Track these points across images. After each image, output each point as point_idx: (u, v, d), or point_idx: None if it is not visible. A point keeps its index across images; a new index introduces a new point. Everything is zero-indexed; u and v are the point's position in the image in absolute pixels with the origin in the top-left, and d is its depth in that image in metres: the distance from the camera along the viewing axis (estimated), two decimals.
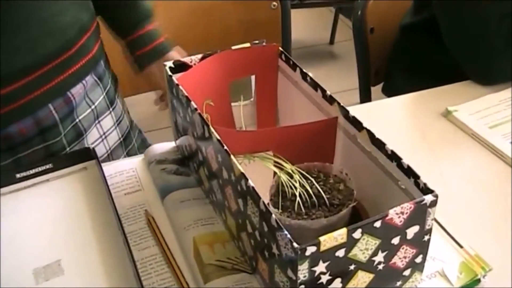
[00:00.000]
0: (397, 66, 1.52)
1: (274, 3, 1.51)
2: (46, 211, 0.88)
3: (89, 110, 1.06)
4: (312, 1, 2.85)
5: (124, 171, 0.97)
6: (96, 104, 1.07)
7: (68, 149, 1.04)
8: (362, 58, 1.55)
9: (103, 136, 1.10)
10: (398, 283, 0.71)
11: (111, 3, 1.14)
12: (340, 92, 2.14)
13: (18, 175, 0.91)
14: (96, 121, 1.08)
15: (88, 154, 0.95)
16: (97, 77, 1.08)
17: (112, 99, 1.13)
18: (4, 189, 0.91)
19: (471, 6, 1.19)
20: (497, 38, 1.17)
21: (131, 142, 1.19)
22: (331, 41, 3.40)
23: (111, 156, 1.12)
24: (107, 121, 1.11)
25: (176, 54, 1.21)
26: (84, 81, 1.04)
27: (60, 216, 0.87)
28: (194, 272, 0.78)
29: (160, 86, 1.24)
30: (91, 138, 1.08)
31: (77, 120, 1.04)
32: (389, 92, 1.55)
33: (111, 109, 1.12)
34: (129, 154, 1.17)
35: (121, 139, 1.15)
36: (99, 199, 0.90)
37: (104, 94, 1.10)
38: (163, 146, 0.99)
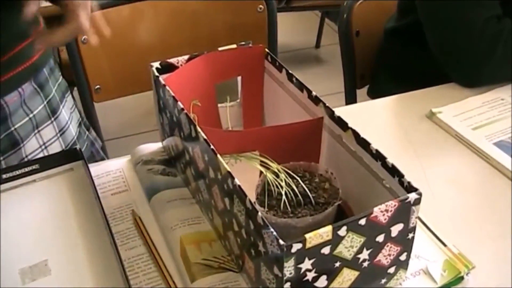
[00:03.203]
0: (382, 69, 1.53)
1: (261, 6, 1.52)
2: (33, 212, 0.88)
3: (27, 118, 1.02)
4: (298, 4, 2.86)
5: (111, 171, 0.97)
6: (35, 113, 1.03)
7: (1, 158, 1.00)
8: (347, 61, 1.56)
9: (43, 147, 1.06)
10: (383, 281, 0.72)
11: None
12: (326, 95, 2.14)
13: (4, 176, 0.91)
14: (36, 131, 1.04)
15: (75, 155, 0.95)
16: (38, 85, 1.04)
17: (54, 109, 1.08)
18: None
19: (455, 10, 1.20)
20: (481, 42, 1.19)
21: None
22: (317, 45, 3.41)
23: None
24: (48, 131, 1.07)
25: None
26: (20, 89, 1.00)
27: (47, 216, 0.87)
28: (181, 271, 0.78)
29: None
30: (30, 147, 1.04)
31: (12, 128, 1.00)
32: (374, 95, 1.56)
33: (53, 119, 1.08)
34: None
35: (65, 149, 1.11)
36: (86, 200, 0.89)
37: (45, 103, 1.06)
38: (149, 147, 1.00)
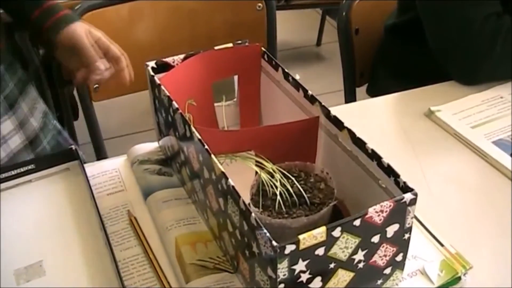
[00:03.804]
0: (381, 67, 1.53)
1: (260, 4, 1.51)
2: (28, 212, 0.88)
3: None
4: (297, 2, 2.85)
5: (107, 171, 0.96)
6: None
7: None
8: (347, 59, 1.55)
9: (2, 140, 1.06)
10: (379, 282, 0.72)
11: None
12: (327, 94, 2.15)
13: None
14: None
15: (71, 155, 0.95)
16: None
17: (12, 103, 1.09)
18: None
19: (454, 7, 1.20)
20: (480, 39, 1.18)
21: (40, 145, 1.15)
22: (318, 43, 3.40)
23: (14, 159, 1.09)
24: (7, 125, 1.08)
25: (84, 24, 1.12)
26: None
27: (43, 216, 0.87)
28: (176, 272, 0.78)
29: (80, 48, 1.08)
30: None
31: None
32: (374, 92, 1.55)
33: (10, 113, 1.08)
34: (38, 156, 1.13)
35: (26, 141, 1.11)
36: (81, 200, 0.89)
37: (2, 98, 1.06)
38: (146, 147, 0.99)
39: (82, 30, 1.08)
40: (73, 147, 0.95)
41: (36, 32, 1.10)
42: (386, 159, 0.70)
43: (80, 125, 1.78)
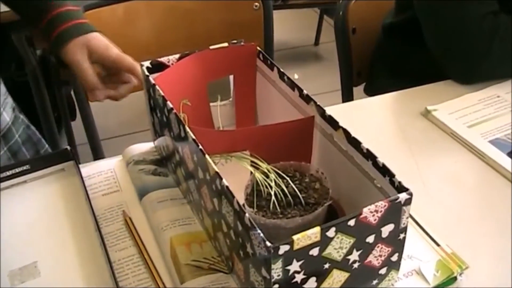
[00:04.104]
0: (379, 66, 1.53)
1: (256, 4, 1.51)
2: (23, 213, 0.87)
3: None
4: (294, 2, 2.85)
5: (102, 171, 0.96)
6: None
7: None
8: (344, 59, 1.55)
9: None
10: (375, 282, 0.71)
11: None
12: (325, 93, 2.15)
13: None
14: None
15: (66, 155, 0.95)
16: None
17: None
18: None
19: (451, 6, 1.19)
20: (477, 38, 1.18)
21: (13, 138, 1.13)
22: (316, 42, 3.40)
23: None
24: None
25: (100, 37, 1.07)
26: None
27: (37, 217, 0.87)
28: (171, 272, 0.77)
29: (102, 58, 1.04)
30: None
31: None
32: (371, 92, 1.55)
33: None
34: (11, 150, 1.12)
35: (0, 136, 1.09)
36: (76, 200, 0.89)
37: None
38: (141, 147, 0.99)
39: (78, 50, 1.01)
40: (68, 148, 0.95)
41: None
42: (382, 159, 0.69)
43: (77, 125, 1.78)
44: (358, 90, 1.61)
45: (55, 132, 2.03)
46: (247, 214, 0.62)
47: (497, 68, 1.19)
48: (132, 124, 2.54)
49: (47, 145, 1.21)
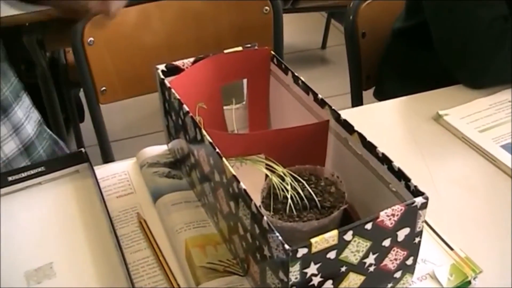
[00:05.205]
0: (388, 70, 1.53)
1: (267, 7, 1.52)
2: (39, 214, 0.88)
3: None
4: (304, 5, 2.85)
5: (116, 174, 0.97)
6: None
7: None
8: (353, 63, 1.55)
9: None
10: (389, 285, 0.72)
11: None
12: (332, 97, 2.14)
13: (10, 178, 0.91)
14: None
15: (80, 157, 0.95)
16: None
17: (5, 108, 1.08)
18: None
19: (461, 11, 1.20)
20: (486, 42, 1.18)
21: (35, 151, 1.14)
22: (323, 46, 3.41)
23: (9, 165, 1.09)
24: (0, 130, 1.07)
25: None
26: None
27: (52, 218, 0.87)
28: (186, 274, 0.78)
29: None
30: None
31: None
32: (381, 96, 1.55)
33: (4, 119, 1.07)
34: (33, 162, 1.13)
35: (21, 148, 1.10)
36: (91, 202, 0.90)
37: None
38: (155, 149, 1.00)
39: None
40: (83, 150, 0.96)
41: None
42: (395, 163, 0.70)
43: (86, 127, 1.79)
44: (366, 94, 1.61)
45: (64, 133, 2.04)
46: (265, 217, 0.62)
47: (507, 73, 1.19)
48: (139, 127, 2.55)
49: None
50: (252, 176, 0.77)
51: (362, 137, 0.75)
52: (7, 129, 1.08)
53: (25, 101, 1.15)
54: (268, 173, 0.77)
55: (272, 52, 0.94)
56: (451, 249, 0.80)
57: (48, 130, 1.21)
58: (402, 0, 1.46)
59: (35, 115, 1.18)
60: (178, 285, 0.77)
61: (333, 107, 0.81)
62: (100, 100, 1.44)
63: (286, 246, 0.59)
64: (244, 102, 0.99)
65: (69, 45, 1.42)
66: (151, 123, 2.47)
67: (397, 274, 0.71)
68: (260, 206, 0.74)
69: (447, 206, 0.90)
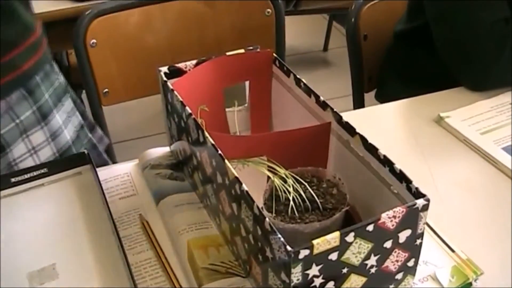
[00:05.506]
0: (390, 72, 1.53)
1: (268, 10, 1.52)
2: (41, 215, 0.88)
3: (13, 124, 0.99)
4: (306, 8, 2.85)
5: (119, 175, 0.97)
6: (22, 118, 1.00)
7: None
8: (355, 65, 1.55)
9: (32, 151, 1.04)
10: (391, 287, 0.72)
11: None
12: (333, 99, 2.14)
13: (13, 180, 0.92)
14: (24, 136, 1.02)
15: (83, 159, 0.96)
16: (26, 91, 1.01)
17: (46, 114, 1.05)
18: None
19: (463, 13, 1.20)
20: (488, 45, 1.18)
21: None
22: (325, 48, 3.41)
23: None
24: (38, 136, 1.04)
25: None
26: (8, 98, 0.98)
27: (55, 220, 0.88)
28: (188, 275, 0.78)
29: None
30: (17, 152, 1.02)
31: None
32: (382, 98, 1.55)
33: (42, 124, 1.05)
34: None
35: (57, 154, 1.08)
36: (93, 204, 0.90)
37: (35, 108, 1.02)
38: (157, 151, 1.00)
39: None
40: (85, 151, 0.96)
41: None
42: (397, 165, 0.70)
43: None
44: (368, 96, 1.61)
45: None
46: (267, 219, 0.63)
47: (508, 75, 1.20)
48: (141, 129, 2.55)
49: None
50: (254, 178, 0.78)
51: (363, 139, 0.75)
52: (45, 135, 1.05)
53: (66, 104, 1.12)
54: (270, 175, 0.77)
55: (274, 54, 0.95)
56: (453, 250, 0.80)
57: (89, 135, 1.18)
58: (404, 2, 1.46)
59: (77, 119, 1.15)
60: (180, 286, 0.77)
61: (335, 109, 0.81)
62: (102, 102, 1.45)
63: (288, 248, 0.59)
64: (246, 104, 0.99)
65: (71, 47, 1.42)
66: (154, 125, 2.48)
67: (399, 276, 0.71)
68: (262, 208, 0.75)
69: (449, 208, 0.91)
